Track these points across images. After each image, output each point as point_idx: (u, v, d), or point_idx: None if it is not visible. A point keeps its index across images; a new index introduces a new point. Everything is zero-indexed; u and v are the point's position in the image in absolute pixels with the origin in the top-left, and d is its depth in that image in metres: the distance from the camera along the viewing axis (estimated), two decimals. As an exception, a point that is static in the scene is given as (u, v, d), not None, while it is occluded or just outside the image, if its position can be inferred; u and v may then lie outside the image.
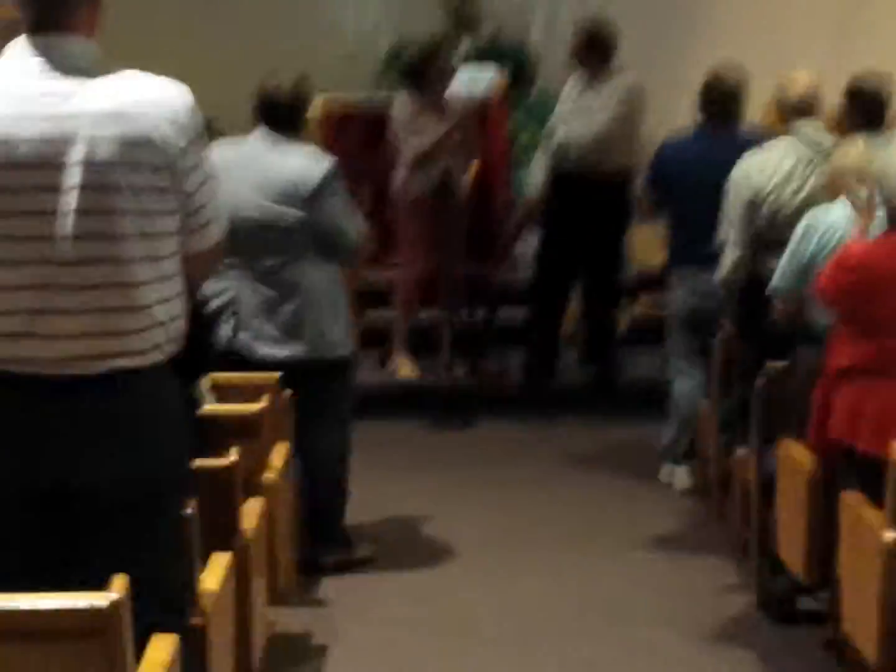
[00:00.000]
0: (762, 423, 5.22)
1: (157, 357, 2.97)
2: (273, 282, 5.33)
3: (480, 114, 8.39)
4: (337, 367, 5.45)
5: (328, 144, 8.86)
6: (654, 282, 7.80)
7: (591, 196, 7.69)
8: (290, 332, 5.34)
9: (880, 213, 4.55)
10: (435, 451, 7.44)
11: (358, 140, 8.94)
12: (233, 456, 3.96)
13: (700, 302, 6.37)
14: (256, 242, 5.30)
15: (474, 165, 8.17)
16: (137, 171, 2.88)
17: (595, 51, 7.81)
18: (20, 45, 2.93)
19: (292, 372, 5.17)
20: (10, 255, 2.85)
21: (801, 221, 5.11)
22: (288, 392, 5.11)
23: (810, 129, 5.72)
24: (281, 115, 5.42)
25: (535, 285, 8.15)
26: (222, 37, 11.69)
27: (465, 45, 11.48)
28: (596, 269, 7.96)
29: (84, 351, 2.89)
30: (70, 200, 2.84)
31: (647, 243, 8.57)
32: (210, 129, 10.38)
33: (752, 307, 5.62)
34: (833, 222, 4.97)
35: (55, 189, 2.85)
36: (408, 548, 5.94)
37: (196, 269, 3.20)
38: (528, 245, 8.61)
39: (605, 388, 8.06)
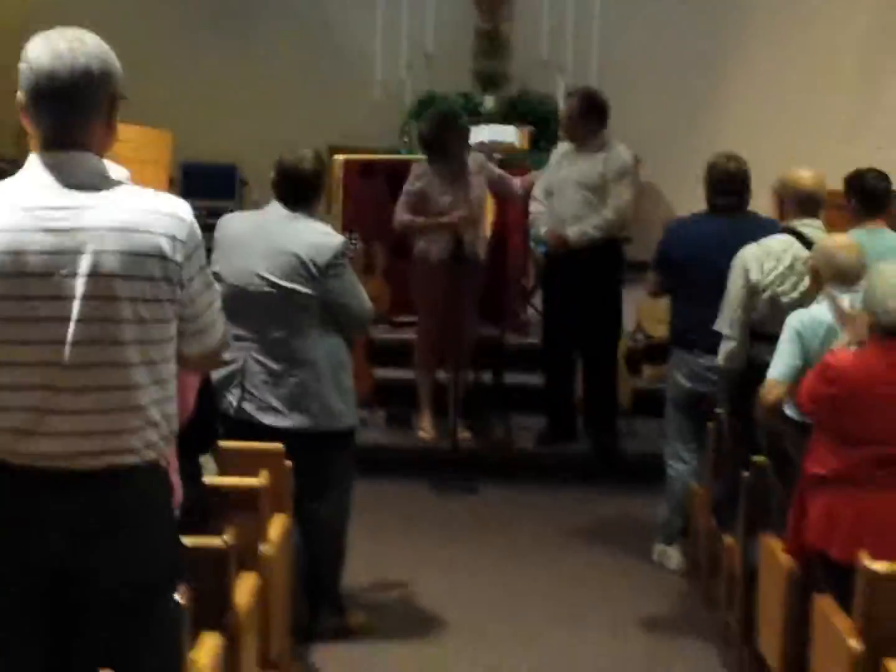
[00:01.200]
0: (747, 515, 5.36)
1: (150, 455, 3.15)
2: (279, 354, 5.48)
3: (499, 178, 8.51)
4: (340, 438, 5.59)
5: (349, 198, 9.11)
6: (659, 353, 7.92)
7: (582, 260, 7.86)
8: (295, 403, 5.48)
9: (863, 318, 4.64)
10: (434, 515, 7.57)
11: (378, 194, 9.14)
12: (227, 537, 4.13)
13: (696, 386, 6.48)
14: (264, 315, 5.46)
15: (491, 231, 8.31)
16: (138, 282, 3.07)
17: (590, 119, 7.94)
18: (33, 161, 3.12)
19: (296, 441, 5.33)
20: (17, 357, 3.04)
21: (789, 320, 5.24)
22: (289, 463, 5.26)
23: (811, 228, 5.83)
24: (298, 192, 5.53)
25: (542, 351, 8.32)
26: (252, 88, 11.94)
27: (490, 102, 11.69)
28: (592, 334, 8.07)
29: (82, 448, 3.07)
30: (74, 309, 3.04)
31: (653, 314, 8.73)
32: (236, 178, 10.51)
33: (747, 393, 5.72)
34: (820, 323, 5.08)
35: (61, 298, 3.04)
36: (402, 616, 6.09)
37: (194, 369, 3.42)
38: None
39: (606, 459, 8.15)
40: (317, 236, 5.49)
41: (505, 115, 11.60)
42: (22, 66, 3.11)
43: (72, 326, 3.03)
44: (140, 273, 3.07)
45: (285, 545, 5.17)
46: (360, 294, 5.58)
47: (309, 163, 5.57)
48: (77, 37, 3.11)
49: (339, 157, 9.32)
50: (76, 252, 3.04)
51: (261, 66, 11.94)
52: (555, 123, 11.60)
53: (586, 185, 7.87)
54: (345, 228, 7.80)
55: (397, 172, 8.79)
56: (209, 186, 11.06)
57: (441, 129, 8.01)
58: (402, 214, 8.02)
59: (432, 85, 11.79)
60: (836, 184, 6.52)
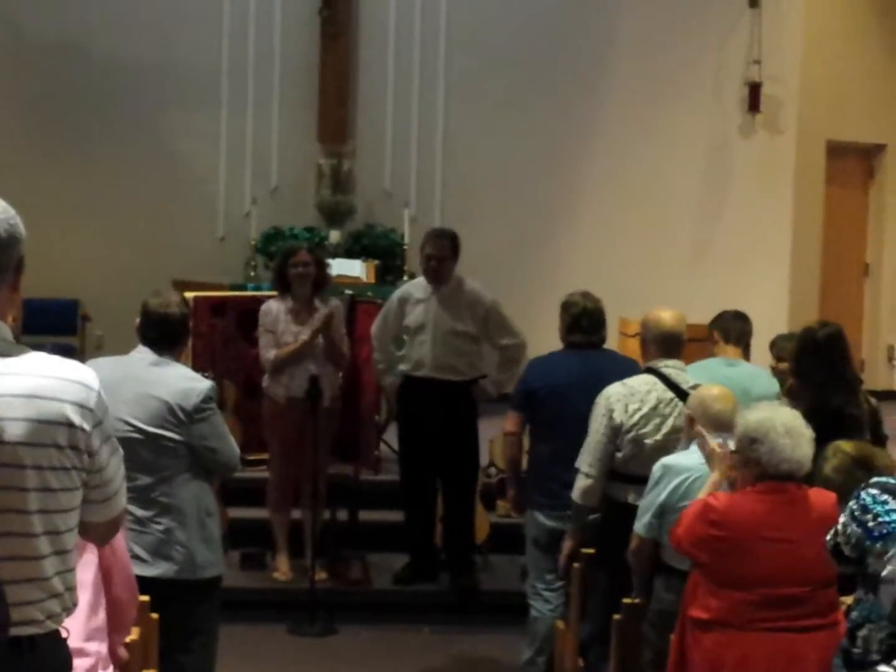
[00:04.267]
0: (619, 657, 5.36)
1: (51, 626, 3.06)
2: (145, 500, 5.37)
3: (348, 315, 8.52)
4: (205, 588, 5.49)
5: (198, 336, 9.02)
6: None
7: (437, 396, 7.90)
8: (159, 551, 5.39)
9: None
10: (293, 658, 7.42)
11: (228, 331, 9.09)
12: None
13: (557, 523, 6.43)
14: (131, 461, 5.25)
15: (343, 368, 8.28)
16: (44, 450, 3.00)
17: (455, 260, 7.98)
18: None
19: (159, 590, 5.21)
20: None
21: (657, 464, 5.31)
22: (155, 616, 5.14)
23: (673, 368, 5.92)
24: (165, 337, 5.49)
25: (401, 489, 8.27)
26: (94, 223, 11.81)
27: (335, 236, 11.75)
28: (449, 470, 8.09)
29: None
30: None
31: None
32: (77, 314, 10.24)
33: (611, 533, 5.77)
34: (689, 468, 5.16)
35: None
36: None
37: (96, 537, 3.35)
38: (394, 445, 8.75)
39: (465, 596, 8.09)
40: (184, 381, 5.45)
41: (350, 249, 11.68)
42: None
43: None
44: (47, 441, 2.99)
45: (154, 701, 5.04)
46: (228, 438, 5.53)
47: (176, 307, 5.54)
48: None
49: (189, 295, 9.24)
50: None
51: (103, 199, 11.82)
52: (400, 257, 11.72)
53: (454, 332, 7.91)
54: (195, 366, 7.71)
55: (247, 309, 8.79)
56: (50, 323, 10.90)
57: (294, 261, 8.01)
58: (268, 353, 7.96)
59: (277, 219, 11.83)
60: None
